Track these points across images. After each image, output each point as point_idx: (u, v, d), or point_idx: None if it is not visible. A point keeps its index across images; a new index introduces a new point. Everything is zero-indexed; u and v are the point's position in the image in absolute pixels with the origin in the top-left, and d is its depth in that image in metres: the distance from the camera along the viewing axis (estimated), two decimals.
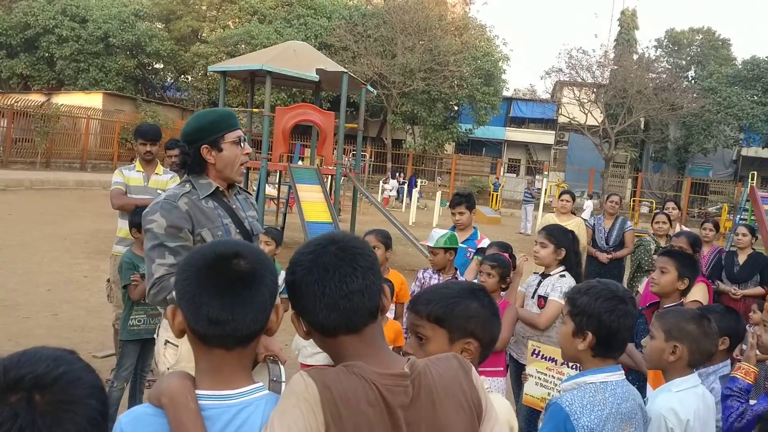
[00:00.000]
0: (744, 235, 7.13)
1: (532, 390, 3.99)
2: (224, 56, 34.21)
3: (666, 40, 40.04)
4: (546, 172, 26.75)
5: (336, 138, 12.77)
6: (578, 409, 2.13)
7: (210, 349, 1.41)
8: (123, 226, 5.48)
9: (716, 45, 39.17)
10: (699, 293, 4.41)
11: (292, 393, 1.36)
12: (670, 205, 8.58)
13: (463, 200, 5.57)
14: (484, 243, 5.41)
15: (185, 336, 2.82)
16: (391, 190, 28.08)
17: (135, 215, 4.61)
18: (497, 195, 30.73)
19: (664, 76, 36.49)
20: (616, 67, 34.12)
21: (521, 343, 4.42)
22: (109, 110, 30.60)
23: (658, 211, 7.90)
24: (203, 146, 2.94)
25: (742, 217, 21.23)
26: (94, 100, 30.57)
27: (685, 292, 3.80)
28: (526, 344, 4.29)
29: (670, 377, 2.56)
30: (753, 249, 7.19)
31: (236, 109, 24.48)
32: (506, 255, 4.64)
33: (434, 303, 1.90)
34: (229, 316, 1.37)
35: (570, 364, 3.90)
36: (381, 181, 29.28)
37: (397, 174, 29.10)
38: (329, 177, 13.20)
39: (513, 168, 42.07)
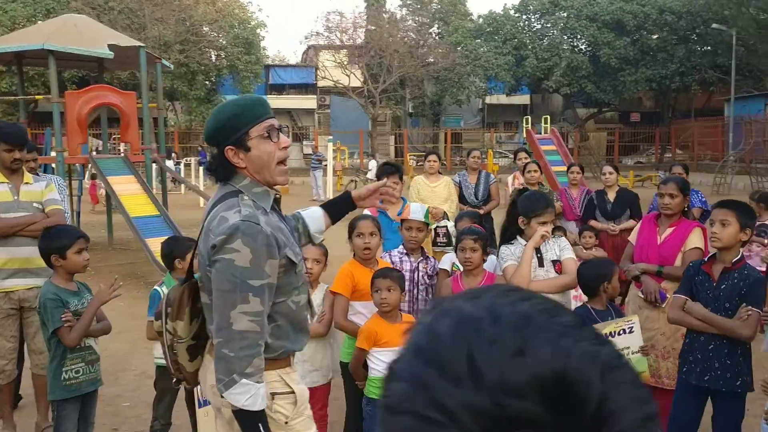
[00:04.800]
0: (611, 173, 7.53)
1: None
2: None
3: None
4: (330, 137, 26.72)
5: (140, 121, 11.44)
6: None
7: None
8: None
9: (454, 2, 41.71)
10: (697, 239, 4.34)
11: None
12: (522, 155, 8.86)
13: (396, 170, 5.23)
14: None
15: (292, 381, 2.40)
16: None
17: (51, 238, 3.59)
18: None
19: (412, 34, 38.23)
20: (373, 27, 34.95)
21: None
22: None
23: (528, 160, 8.09)
24: (227, 148, 2.32)
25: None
26: None
27: (744, 243, 3.64)
28: None
29: None
30: (618, 185, 7.64)
31: (2, 98, 20.88)
32: (478, 226, 4.35)
33: None
34: None
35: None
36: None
37: (173, 154, 27.22)
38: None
39: None
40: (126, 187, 10.37)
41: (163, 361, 4.23)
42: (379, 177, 5.35)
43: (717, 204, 3.73)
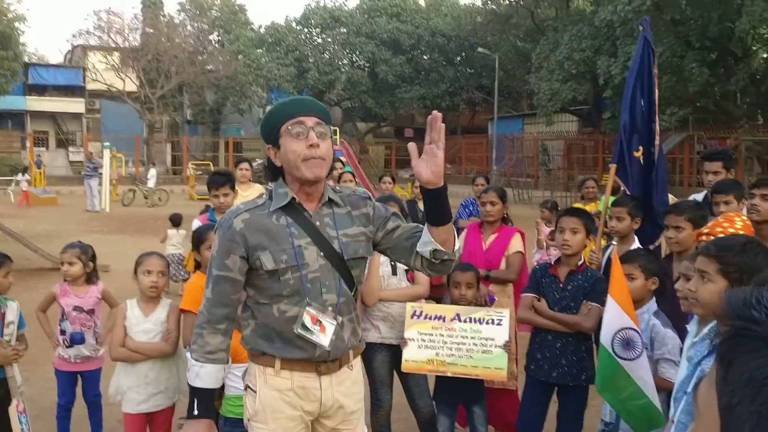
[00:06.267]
0: (417, 186, 7.81)
1: (414, 354, 3.81)
2: None
3: (188, 4, 40.48)
4: (107, 143, 24.89)
5: None
6: None
7: None
8: None
9: (234, 10, 41.19)
10: (518, 244, 4.63)
11: None
12: (338, 164, 8.88)
13: (227, 180, 5.04)
14: None
15: (265, 383, 2.38)
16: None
17: None
18: (42, 173, 27.56)
19: (191, 40, 37.02)
20: (150, 30, 33.31)
21: (366, 320, 4.11)
22: None
23: (343, 170, 8.09)
24: (268, 148, 2.41)
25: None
26: None
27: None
28: (372, 321, 4.04)
29: None
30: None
31: None
32: None
33: None
34: None
35: (463, 318, 3.78)
36: None
37: None
38: None
39: (41, 141, 38.01)
40: None
41: None
42: (209, 188, 5.11)
43: (564, 212, 4.02)
